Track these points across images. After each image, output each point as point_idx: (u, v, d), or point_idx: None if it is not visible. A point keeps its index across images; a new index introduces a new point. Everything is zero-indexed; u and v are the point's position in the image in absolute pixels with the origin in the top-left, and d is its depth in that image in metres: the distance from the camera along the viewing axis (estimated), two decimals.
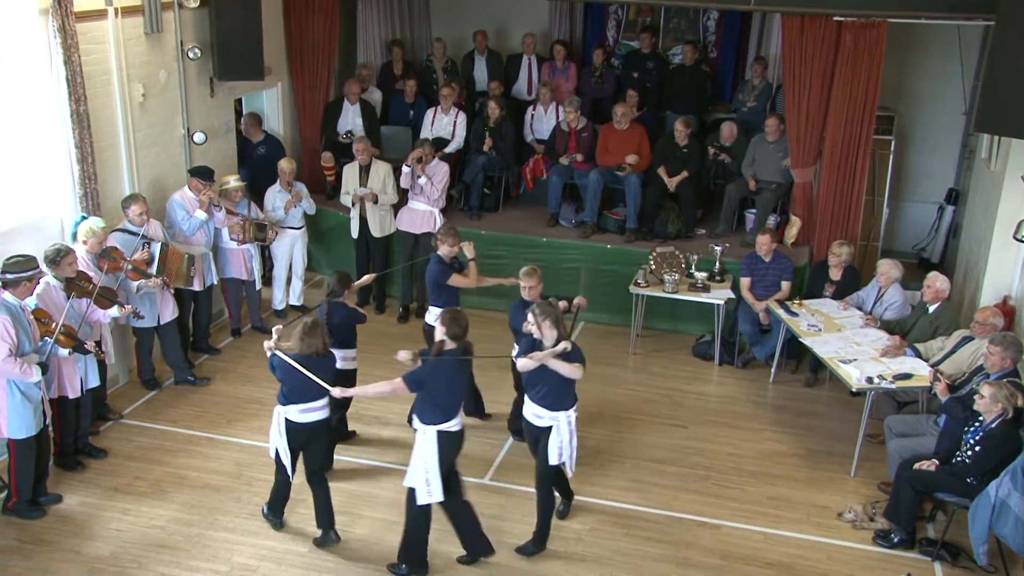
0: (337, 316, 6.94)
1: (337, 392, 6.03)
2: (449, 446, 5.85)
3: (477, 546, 6.18)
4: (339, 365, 6.57)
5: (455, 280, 7.54)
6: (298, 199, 9.50)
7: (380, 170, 9.76)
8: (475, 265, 7.68)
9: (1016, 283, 8.01)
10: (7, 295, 6.14)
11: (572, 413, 6.17)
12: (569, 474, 6.38)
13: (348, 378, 6.84)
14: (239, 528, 6.50)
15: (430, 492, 5.81)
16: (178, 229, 8.37)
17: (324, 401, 6.15)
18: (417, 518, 5.96)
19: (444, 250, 7.53)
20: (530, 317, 6.05)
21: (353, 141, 9.91)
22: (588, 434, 7.75)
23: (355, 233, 9.90)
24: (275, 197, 9.49)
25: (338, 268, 7.53)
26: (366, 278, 8.05)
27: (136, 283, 7.51)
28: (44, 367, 6.28)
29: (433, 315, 7.31)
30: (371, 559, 6.21)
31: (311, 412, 6.11)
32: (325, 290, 7.19)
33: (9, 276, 6.12)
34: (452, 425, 5.84)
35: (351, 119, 10.83)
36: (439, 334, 5.80)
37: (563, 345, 5.94)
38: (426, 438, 5.80)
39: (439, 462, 5.78)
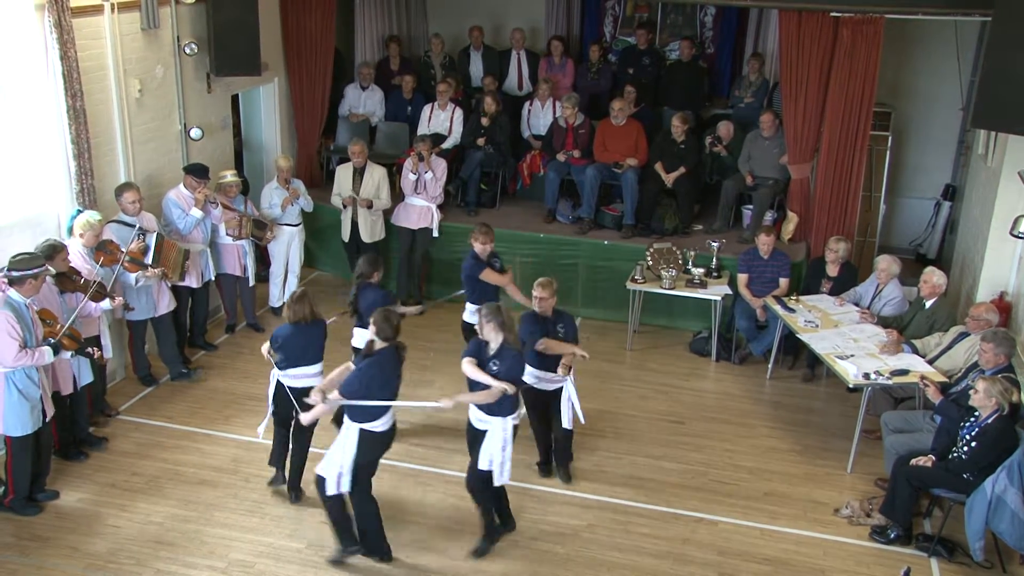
0: (365, 299, 6.98)
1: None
2: (373, 444, 5.94)
3: (374, 547, 6.14)
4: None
5: (487, 275, 7.55)
6: (295, 196, 9.41)
7: (375, 174, 9.65)
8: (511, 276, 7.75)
9: (1012, 279, 8.02)
10: (12, 292, 6.14)
11: (509, 420, 6.05)
12: (497, 481, 6.09)
13: None
14: (236, 524, 6.50)
15: (340, 484, 5.89)
16: (174, 227, 8.33)
17: (317, 369, 6.54)
18: (333, 506, 6.01)
19: (478, 247, 7.55)
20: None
21: (349, 143, 9.85)
22: (584, 430, 7.75)
23: (346, 236, 9.84)
24: (272, 194, 9.39)
25: (367, 252, 7.84)
26: None
27: (134, 275, 7.49)
28: (55, 348, 6.30)
29: (470, 312, 7.49)
30: (367, 556, 6.19)
31: (301, 378, 6.44)
32: (354, 273, 7.24)
33: (15, 274, 6.11)
34: (378, 425, 5.91)
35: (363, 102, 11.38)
36: (371, 333, 5.85)
37: (502, 387, 5.84)
38: (350, 433, 5.90)
39: (356, 457, 5.87)
